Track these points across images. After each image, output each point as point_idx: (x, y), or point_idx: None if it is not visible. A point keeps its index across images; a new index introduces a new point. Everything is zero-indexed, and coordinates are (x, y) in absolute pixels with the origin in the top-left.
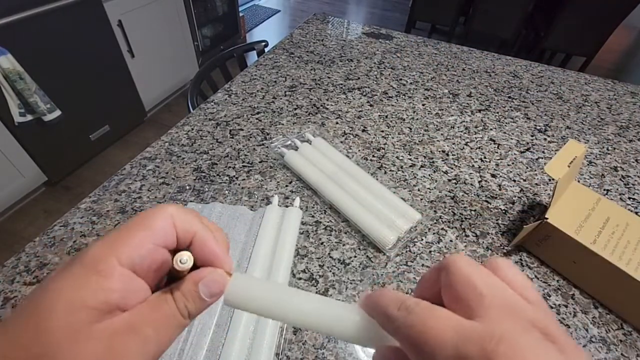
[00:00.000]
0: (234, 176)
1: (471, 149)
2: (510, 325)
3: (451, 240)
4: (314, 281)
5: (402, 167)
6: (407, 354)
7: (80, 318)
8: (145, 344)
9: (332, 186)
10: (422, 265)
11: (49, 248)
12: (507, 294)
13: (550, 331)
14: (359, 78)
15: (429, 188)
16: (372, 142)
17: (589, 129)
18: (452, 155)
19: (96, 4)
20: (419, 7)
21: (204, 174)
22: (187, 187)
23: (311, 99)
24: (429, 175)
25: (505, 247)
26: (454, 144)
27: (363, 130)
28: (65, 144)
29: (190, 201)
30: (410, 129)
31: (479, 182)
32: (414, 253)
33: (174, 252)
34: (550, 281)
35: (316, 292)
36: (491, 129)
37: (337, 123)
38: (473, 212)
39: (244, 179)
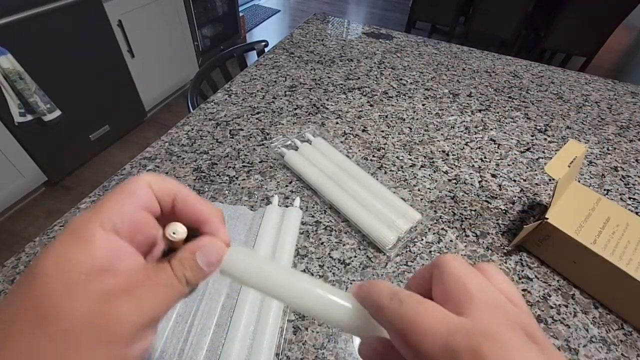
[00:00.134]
0: (234, 176)
1: (471, 149)
2: (497, 324)
3: (451, 240)
4: None
5: (402, 167)
6: (394, 345)
7: (73, 281)
8: (141, 304)
9: (332, 186)
10: (422, 265)
11: None
12: (495, 296)
13: (533, 332)
14: (359, 78)
15: (429, 188)
16: (372, 142)
17: (589, 129)
18: (452, 155)
19: (96, 4)
20: (419, 7)
21: (204, 174)
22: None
23: (311, 99)
24: (429, 175)
25: (506, 247)
26: (454, 144)
27: (363, 130)
28: (65, 144)
29: None
30: (411, 129)
31: (479, 182)
32: (414, 253)
33: (164, 222)
34: (551, 281)
35: None
36: (491, 129)
37: (337, 123)
38: (473, 212)
39: (244, 179)
